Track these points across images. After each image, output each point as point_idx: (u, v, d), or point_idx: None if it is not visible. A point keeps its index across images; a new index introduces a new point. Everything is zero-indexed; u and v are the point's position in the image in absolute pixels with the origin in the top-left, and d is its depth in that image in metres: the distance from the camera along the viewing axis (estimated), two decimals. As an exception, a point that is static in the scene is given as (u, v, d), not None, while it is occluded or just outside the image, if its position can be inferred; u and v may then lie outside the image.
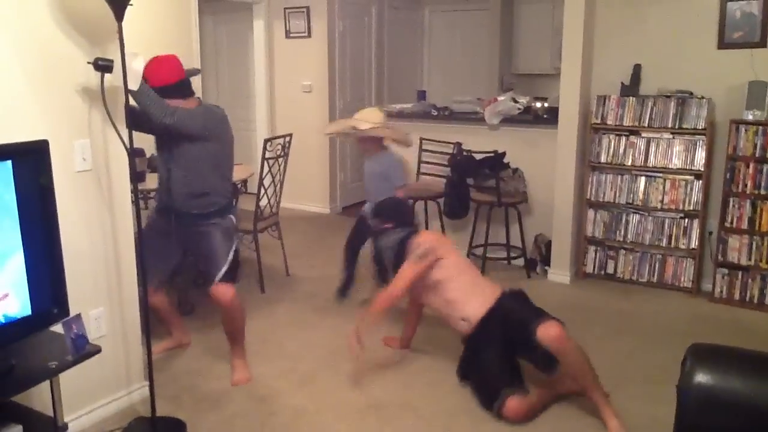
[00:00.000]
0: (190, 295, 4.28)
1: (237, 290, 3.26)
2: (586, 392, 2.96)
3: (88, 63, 2.61)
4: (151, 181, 4.02)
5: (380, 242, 3.64)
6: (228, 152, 3.32)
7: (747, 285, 4.40)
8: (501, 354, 3.09)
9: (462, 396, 3.22)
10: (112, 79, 2.66)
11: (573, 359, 2.91)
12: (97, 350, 2.39)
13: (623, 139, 4.70)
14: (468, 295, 3.22)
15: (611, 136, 4.73)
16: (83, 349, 2.33)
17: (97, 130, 2.80)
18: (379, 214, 3.69)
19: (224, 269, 3.25)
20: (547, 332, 2.91)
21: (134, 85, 2.70)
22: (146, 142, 4.82)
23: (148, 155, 4.75)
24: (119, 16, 2.48)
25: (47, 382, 2.28)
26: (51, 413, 2.34)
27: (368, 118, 4.11)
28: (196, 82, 5.88)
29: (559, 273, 4.89)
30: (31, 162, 2.26)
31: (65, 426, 2.37)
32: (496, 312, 3.15)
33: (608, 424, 2.88)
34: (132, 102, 2.73)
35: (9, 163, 2.15)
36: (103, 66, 2.59)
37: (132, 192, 2.97)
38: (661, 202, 4.63)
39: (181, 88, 3.13)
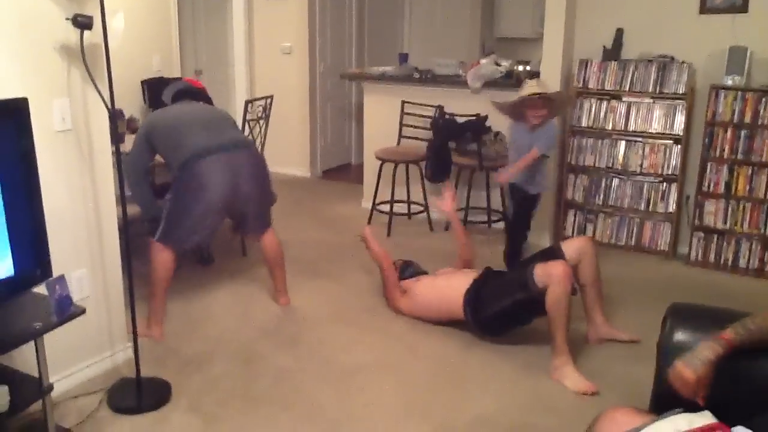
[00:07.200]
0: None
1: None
2: (594, 301, 3.42)
3: (67, 19, 2.55)
4: (131, 142, 3.96)
5: None
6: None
7: (722, 248, 4.49)
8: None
9: (442, 359, 3.27)
10: (92, 36, 2.60)
11: (596, 261, 3.39)
12: (82, 311, 2.38)
13: (604, 103, 4.72)
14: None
15: (593, 101, 4.75)
16: (68, 310, 2.32)
17: (76, 89, 2.74)
18: None
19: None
20: (575, 239, 3.64)
21: (115, 42, 2.65)
22: (125, 103, 4.76)
23: (127, 116, 4.68)
24: (99, -29, 2.42)
25: (32, 343, 2.27)
26: (36, 374, 2.34)
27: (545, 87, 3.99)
28: (173, 40, 5.82)
29: (539, 236, 4.94)
30: (11, 121, 2.22)
31: (51, 386, 2.37)
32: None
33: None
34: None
35: (-12, 121, 2.12)
36: (82, 23, 2.53)
37: (113, 153, 2.93)
38: (641, 166, 4.67)
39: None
